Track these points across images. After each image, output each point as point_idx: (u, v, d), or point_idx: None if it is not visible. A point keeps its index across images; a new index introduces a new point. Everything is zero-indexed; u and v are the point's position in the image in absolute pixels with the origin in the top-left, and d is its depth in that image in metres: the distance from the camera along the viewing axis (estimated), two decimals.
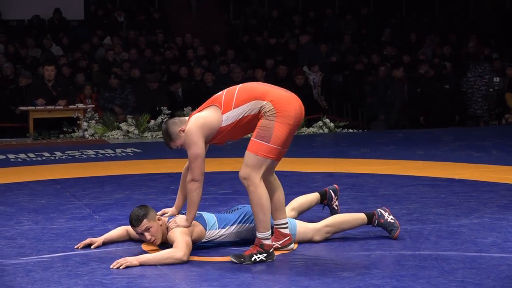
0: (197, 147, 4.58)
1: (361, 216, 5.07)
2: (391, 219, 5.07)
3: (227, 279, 4.27)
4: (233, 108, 4.61)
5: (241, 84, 4.78)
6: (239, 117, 4.61)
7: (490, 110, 13.11)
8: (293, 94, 4.71)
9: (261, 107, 4.58)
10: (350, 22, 17.59)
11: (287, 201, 5.14)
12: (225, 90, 4.74)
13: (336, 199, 5.55)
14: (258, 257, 4.55)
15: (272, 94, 4.61)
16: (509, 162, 8.29)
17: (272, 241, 4.65)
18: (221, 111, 4.62)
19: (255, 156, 4.53)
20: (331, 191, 5.54)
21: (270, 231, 4.61)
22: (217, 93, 4.77)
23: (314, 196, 5.46)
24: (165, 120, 4.92)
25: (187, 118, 4.78)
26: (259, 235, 4.58)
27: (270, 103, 4.57)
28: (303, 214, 5.39)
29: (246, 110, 4.60)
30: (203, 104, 4.75)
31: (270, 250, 4.59)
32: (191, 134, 4.60)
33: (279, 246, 4.76)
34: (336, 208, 5.53)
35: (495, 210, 5.88)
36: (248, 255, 4.56)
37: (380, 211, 5.08)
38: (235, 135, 4.72)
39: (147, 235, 4.72)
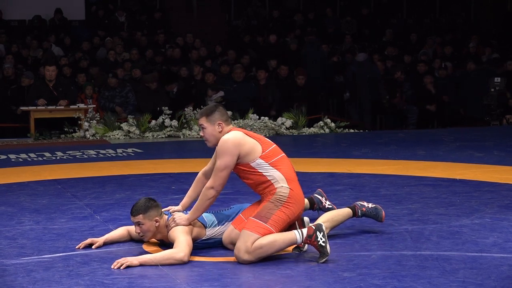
0: (229, 159, 4.65)
1: (346, 210, 5.17)
2: (372, 205, 5.19)
3: (228, 279, 4.27)
4: (269, 163, 4.72)
5: (284, 154, 4.86)
6: (263, 173, 4.70)
7: (490, 110, 13.11)
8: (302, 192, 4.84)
9: (280, 186, 4.69)
10: (350, 23, 17.59)
11: None
12: (275, 144, 4.87)
13: (326, 199, 5.57)
14: (320, 238, 4.54)
15: (296, 185, 4.75)
16: (510, 162, 8.28)
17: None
18: (260, 154, 4.70)
19: (252, 234, 4.57)
20: (316, 195, 5.57)
21: (295, 234, 4.61)
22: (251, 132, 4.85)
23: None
24: (217, 103, 4.98)
25: (231, 125, 4.85)
26: (299, 243, 4.61)
27: (289, 190, 4.69)
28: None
29: (272, 176, 4.71)
30: (250, 133, 4.83)
31: (311, 230, 4.57)
32: (229, 143, 4.66)
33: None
34: (330, 207, 5.54)
35: (496, 210, 5.88)
36: (319, 249, 4.54)
37: (359, 203, 5.21)
38: (246, 178, 4.77)
39: (137, 229, 4.78)
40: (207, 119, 4.76)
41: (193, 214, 4.76)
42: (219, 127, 4.75)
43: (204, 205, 4.73)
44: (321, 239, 4.53)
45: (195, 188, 5.02)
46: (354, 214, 5.15)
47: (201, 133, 4.85)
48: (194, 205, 4.80)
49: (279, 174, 4.72)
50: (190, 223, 4.76)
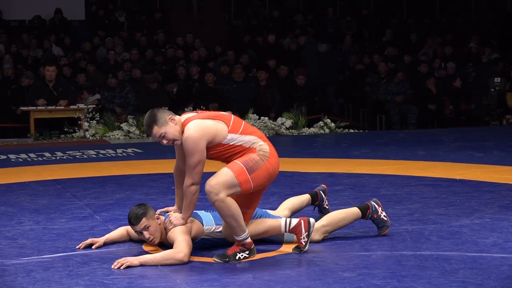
0: (199, 155, 4.58)
1: (355, 211, 5.12)
2: (384, 216, 5.14)
3: (228, 279, 4.27)
4: (239, 134, 4.68)
5: (245, 121, 4.88)
6: (240, 144, 4.68)
7: (490, 110, 13.12)
8: None
9: (259, 145, 4.70)
10: (350, 23, 17.59)
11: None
12: (231, 114, 4.85)
13: (326, 199, 5.59)
14: (242, 255, 4.63)
15: (270, 143, 4.79)
16: (510, 162, 8.28)
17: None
18: (228, 129, 4.66)
19: (232, 176, 4.57)
20: (321, 192, 5.57)
21: (247, 230, 4.65)
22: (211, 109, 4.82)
23: (305, 198, 5.50)
24: (155, 109, 4.80)
25: (179, 116, 4.74)
26: (238, 238, 4.64)
27: (267, 145, 4.72)
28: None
29: (247, 141, 4.69)
30: (205, 114, 4.75)
31: (251, 247, 4.66)
32: (194, 140, 4.57)
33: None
34: (327, 207, 5.55)
35: (496, 211, 5.88)
36: (231, 254, 4.62)
37: (374, 205, 5.14)
38: (225, 157, 4.73)
39: (146, 234, 4.72)
40: (159, 126, 4.61)
41: (186, 213, 4.72)
42: (173, 122, 4.64)
43: (192, 201, 4.67)
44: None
45: (180, 185, 4.92)
46: (364, 215, 5.10)
47: (164, 142, 4.67)
48: (183, 205, 4.73)
49: (253, 137, 4.71)
50: (186, 222, 4.74)
